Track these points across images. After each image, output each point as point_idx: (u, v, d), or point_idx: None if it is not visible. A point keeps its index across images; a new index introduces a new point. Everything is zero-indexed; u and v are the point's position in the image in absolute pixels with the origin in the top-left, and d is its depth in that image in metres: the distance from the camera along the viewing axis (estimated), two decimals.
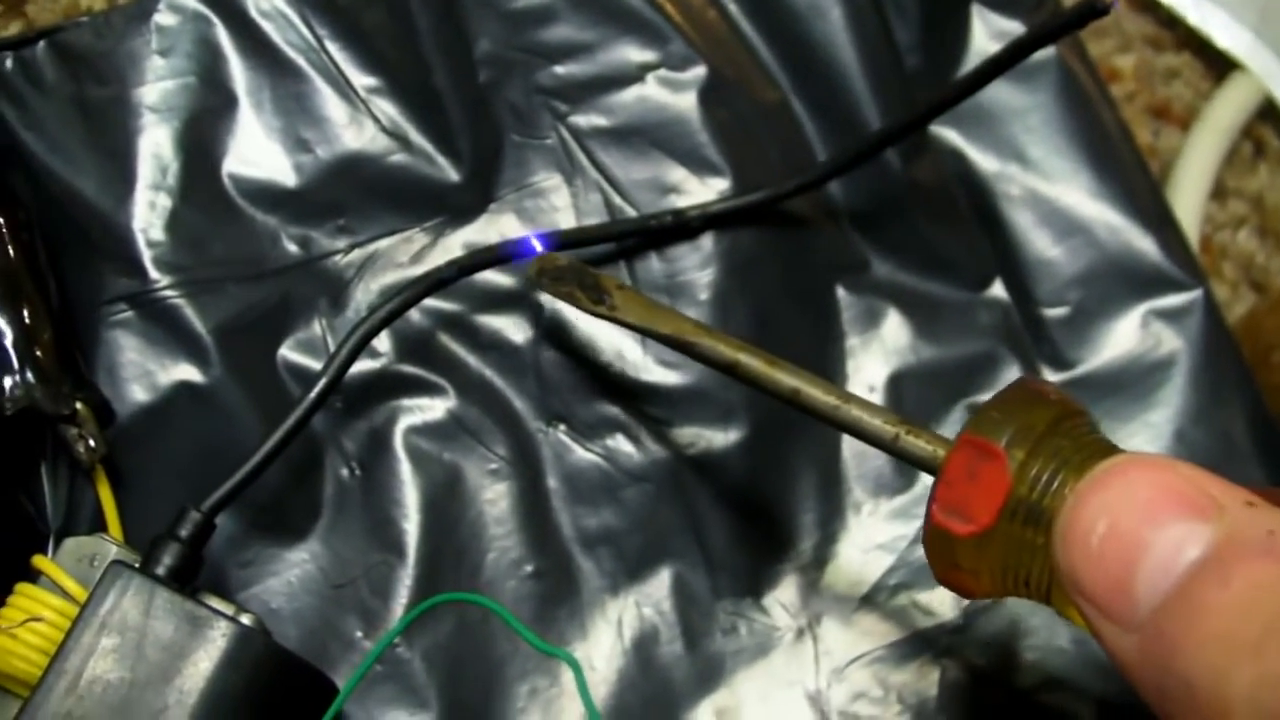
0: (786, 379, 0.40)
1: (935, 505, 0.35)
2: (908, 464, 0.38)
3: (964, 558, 0.35)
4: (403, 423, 0.48)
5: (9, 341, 0.44)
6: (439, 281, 0.46)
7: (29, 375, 0.44)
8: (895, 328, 0.52)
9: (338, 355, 0.44)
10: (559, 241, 0.48)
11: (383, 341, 0.49)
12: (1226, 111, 0.61)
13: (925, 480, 0.49)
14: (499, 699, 0.46)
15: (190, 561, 0.42)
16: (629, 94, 0.52)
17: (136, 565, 0.41)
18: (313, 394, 0.44)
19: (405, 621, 0.44)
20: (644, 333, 0.44)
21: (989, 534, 0.34)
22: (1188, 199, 0.59)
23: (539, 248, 0.47)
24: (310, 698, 0.42)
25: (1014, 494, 0.33)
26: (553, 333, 0.49)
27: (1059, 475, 0.33)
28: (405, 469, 0.48)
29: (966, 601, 0.49)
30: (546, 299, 0.49)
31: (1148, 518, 0.29)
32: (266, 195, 0.50)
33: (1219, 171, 0.60)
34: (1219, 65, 0.63)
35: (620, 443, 0.49)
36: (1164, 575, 0.29)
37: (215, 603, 0.41)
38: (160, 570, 0.41)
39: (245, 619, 0.41)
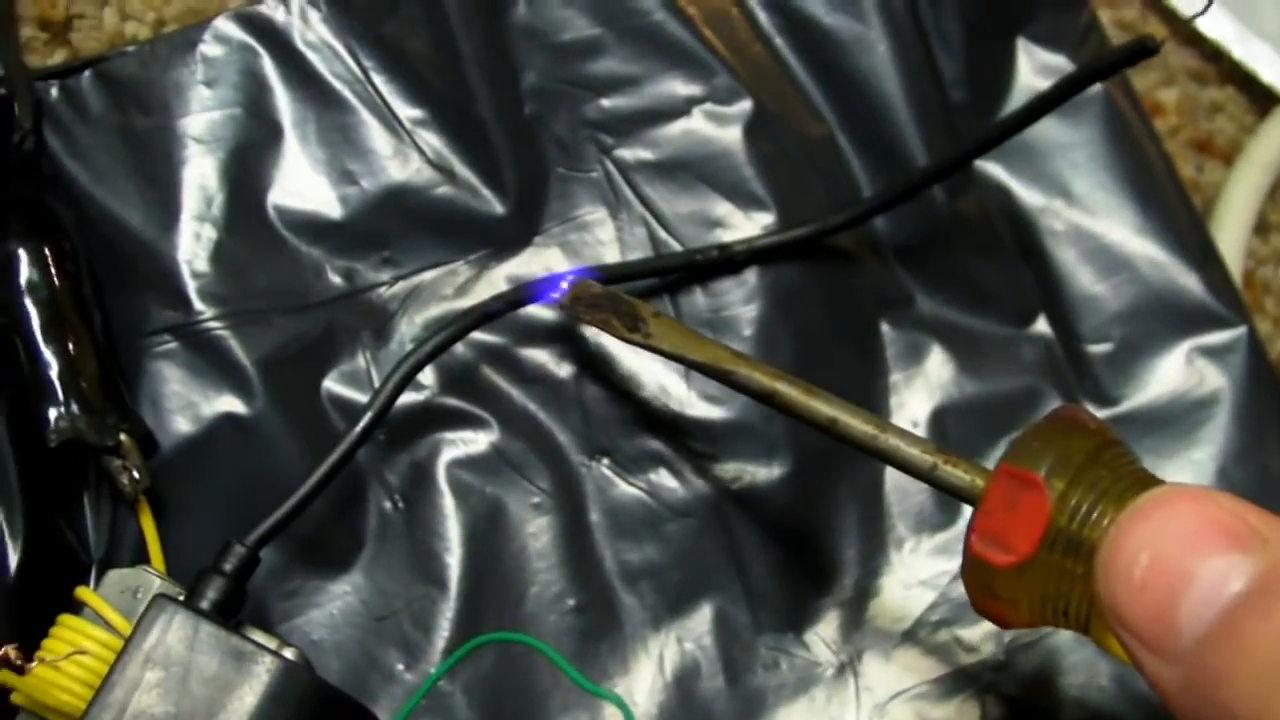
0: (824, 408, 0.40)
1: (974, 535, 0.35)
2: (945, 493, 0.38)
3: (1002, 588, 0.35)
4: (445, 455, 0.48)
5: (54, 373, 0.44)
6: (485, 315, 0.47)
7: (74, 407, 0.44)
8: (939, 363, 0.52)
9: (384, 389, 0.44)
10: (604, 276, 0.48)
11: (426, 374, 0.49)
12: (1270, 146, 0.61)
13: (967, 515, 0.49)
14: None
15: (234, 595, 0.42)
16: (674, 128, 0.52)
17: (181, 598, 0.41)
18: (358, 428, 0.44)
19: (452, 661, 0.44)
20: (679, 360, 0.44)
21: (1028, 564, 0.34)
22: (1231, 234, 0.58)
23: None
24: None
25: (1053, 524, 0.33)
26: (596, 367, 0.49)
27: (1099, 506, 0.33)
28: (448, 502, 0.48)
29: (1008, 638, 0.49)
30: (591, 332, 0.49)
31: (1191, 549, 0.29)
32: (311, 227, 0.50)
33: (1262, 206, 0.60)
34: (1263, 100, 0.63)
35: (663, 477, 0.49)
36: (1207, 607, 0.28)
37: (259, 636, 0.41)
38: (205, 604, 0.41)
39: (289, 653, 0.41)
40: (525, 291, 0.48)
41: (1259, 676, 0.27)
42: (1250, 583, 0.28)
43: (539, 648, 0.44)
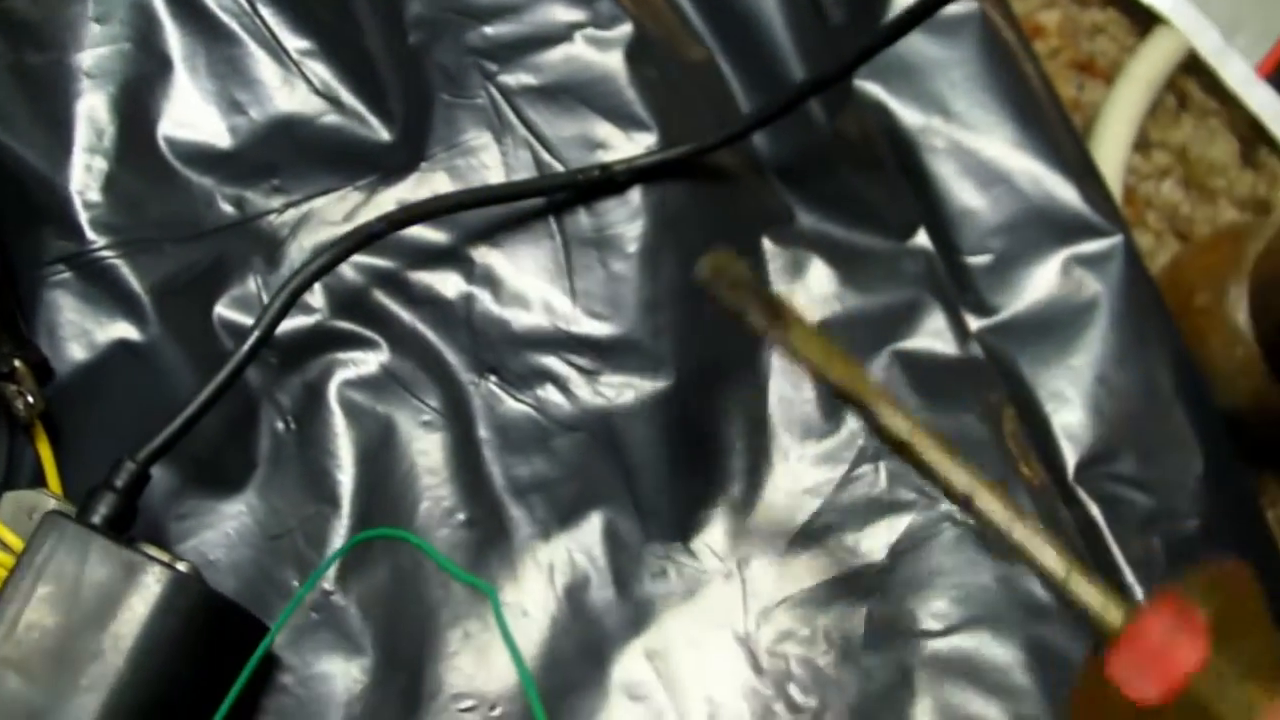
0: (963, 479, 0.37)
1: (1114, 658, 0.33)
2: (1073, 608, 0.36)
3: (1115, 714, 0.33)
4: (337, 377, 0.49)
5: None
6: (369, 236, 0.47)
7: None
8: (821, 277, 0.52)
9: (270, 308, 0.45)
10: (490, 197, 0.49)
11: (317, 298, 0.49)
12: (1150, 65, 0.62)
13: (851, 423, 0.50)
14: (433, 643, 0.47)
15: (125, 511, 0.42)
16: (556, 53, 0.53)
17: (73, 516, 0.41)
18: (245, 347, 0.44)
19: (332, 560, 0.45)
20: (813, 373, 0.41)
21: (1158, 710, 0.32)
22: (1111, 150, 0.60)
23: None
24: (245, 640, 0.42)
25: (1196, 680, 0.32)
26: (484, 286, 0.50)
27: (1243, 683, 0.32)
28: (339, 421, 0.49)
29: (893, 541, 0.49)
30: (479, 254, 0.50)
31: None
32: (202, 157, 0.51)
33: (1143, 124, 0.61)
34: (1143, 20, 0.64)
35: (551, 393, 0.50)
36: None
37: (152, 551, 0.42)
38: (96, 519, 0.42)
39: (180, 565, 0.42)
40: (409, 211, 0.48)
41: None
42: None
43: (416, 543, 0.45)
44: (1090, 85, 0.63)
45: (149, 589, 0.41)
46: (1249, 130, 0.64)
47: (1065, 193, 0.54)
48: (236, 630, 0.43)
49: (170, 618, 0.41)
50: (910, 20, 0.46)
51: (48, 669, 0.40)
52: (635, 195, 0.51)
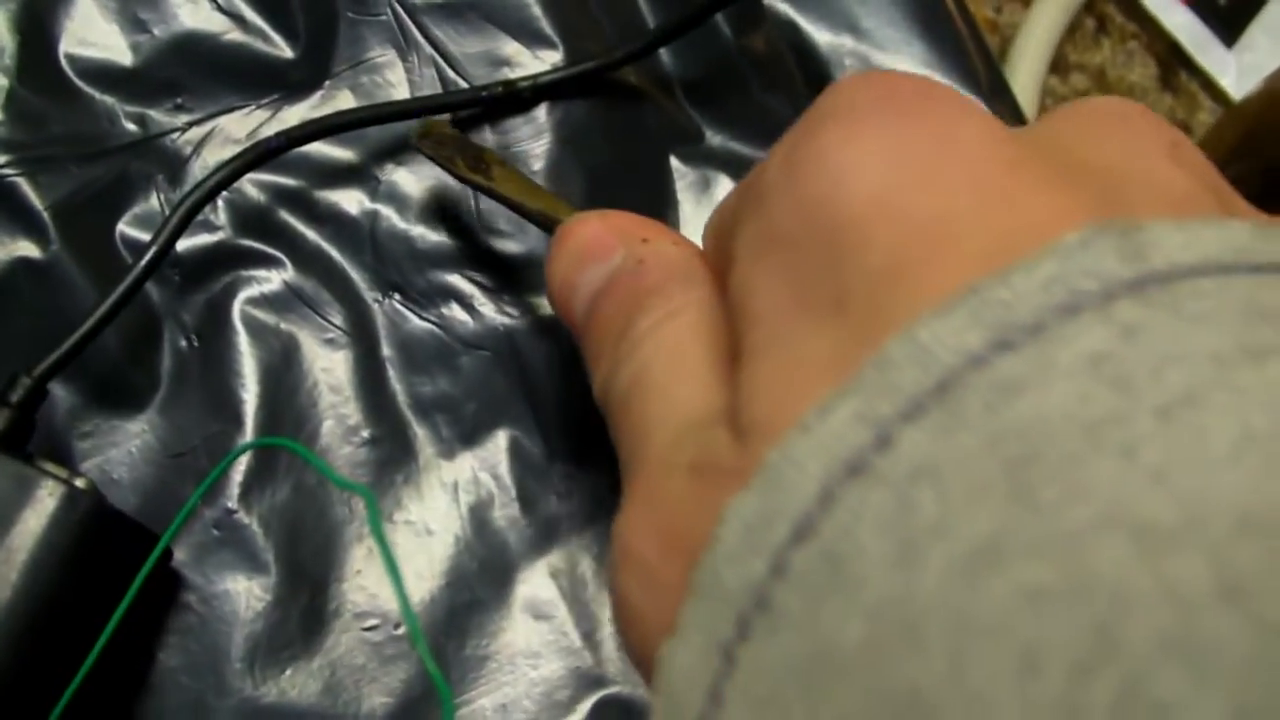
0: None
1: None
2: None
3: None
4: (240, 295, 0.49)
5: None
6: (268, 151, 0.47)
7: None
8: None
9: (169, 222, 0.45)
10: (386, 114, 0.49)
11: (220, 216, 0.49)
12: None
13: None
14: (337, 560, 0.47)
15: (21, 426, 0.42)
16: None
17: None
18: (143, 261, 0.44)
19: (222, 467, 0.45)
20: (515, 207, 0.45)
21: None
22: (1027, 70, 0.60)
23: None
24: (143, 556, 0.42)
25: None
26: (388, 205, 0.50)
27: None
28: (243, 340, 0.48)
29: None
30: (384, 172, 0.50)
31: (575, 265, 0.37)
32: (104, 75, 0.50)
33: (1061, 46, 0.61)
34: None
35: (455, 311, 0.49)
36: (584, 302, 0.37)
37: (49, 467, 0.41)
38: None
39: (78, 482, 0.41)
40: (308, 128, 0.48)
41: (599, 330, 0.35)
42: (603, 280, 0.36)
43: (295, 449, 0.45)
44: (1009, 8, 0.62)
45: (43, 503, 0.40)
46: (1168, 53, 0.64)
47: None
48: (134, 545, 0.43)
49: (65, 532, 0.41)
50: None
51: None
52: (540, 112, 0.51)
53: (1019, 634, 0.19)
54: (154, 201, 0.49)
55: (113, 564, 0.42)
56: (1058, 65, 0.61)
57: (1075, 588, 0.19)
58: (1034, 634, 0.19)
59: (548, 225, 0.43)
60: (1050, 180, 0.26)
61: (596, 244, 0.37)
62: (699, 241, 0.37)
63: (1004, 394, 0.22)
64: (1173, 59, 0.64)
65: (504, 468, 0.48)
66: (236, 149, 0.49)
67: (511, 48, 0.51)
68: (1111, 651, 0.18)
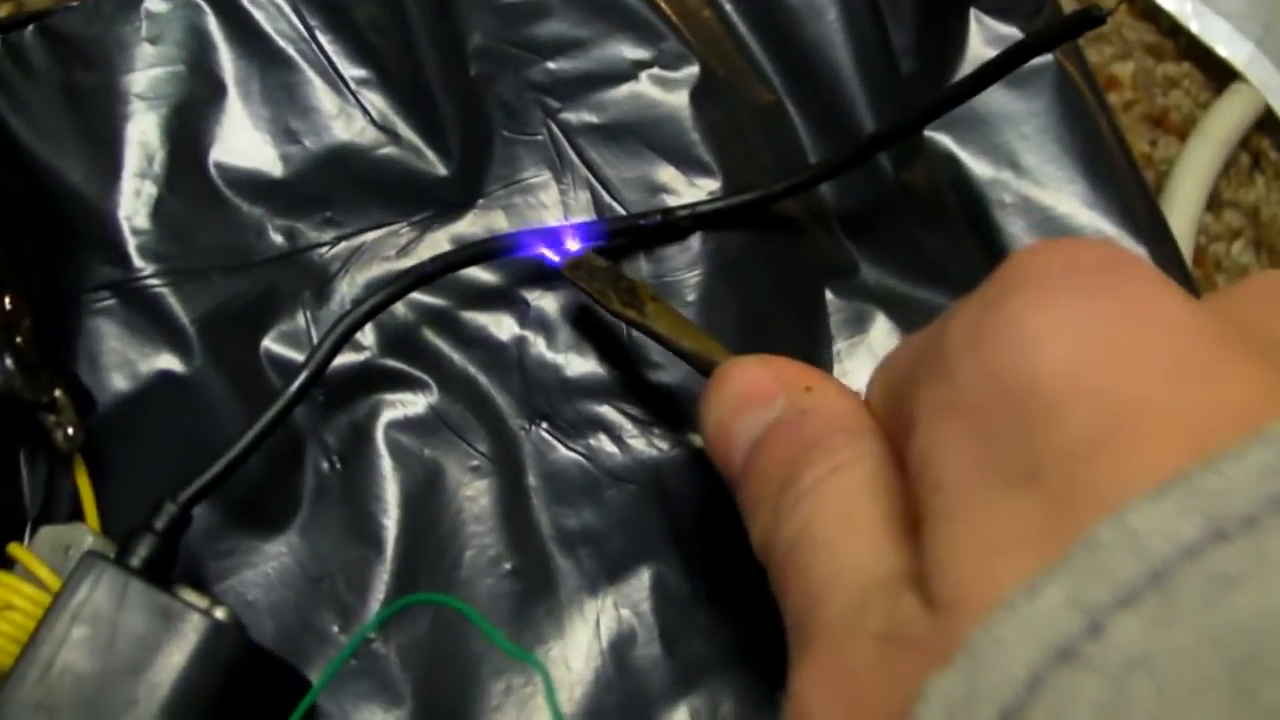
0: None
1: None
2: None
3: None
4: (384, 417, 0.48)
5: None
6: (423, 276, 0.46)
7: (8, 362, 0.44)
8: (883, 332, 0.51)
9: (320, 348, 0.44)
10: (549, 240, 0.48)
11: (366, 335, 0.48)
12: (1225, 122, 0.60)
13: None
14: (474, 696, 0.46)
15: (165, 553, 0.42)
16: (621, 91, 0.52)
17: (111, 556, 0.40)
18: (294, 386, 0.43)
19: (378, 620, 0.44)
20: (668, 345, 0.44)
21: None
22: (1182, 210, 0.58)
23: (549, 252, 0.47)
24: (283, 693, 0.42)
25: None
26: (538, 331, 0.49)
27: None
28: (386, 464, 0.48)
29: None
30: (533, 296, 0.49)
31: (733, 411, 0.37)
32: (253, 185, 0.50)
33: (1215, 183, 0.60)
34: (1219, 75, 0.63)
35: (603, 443, 0.48)
36: (742, 450, 0.37)
37: (190, 596, 0.41)
38: (135, 562, 0.41)
39: (219, 613, 0.40)
40: (466, 252, 0.47)
41: (758, 480, 0.35)
42: (763, 429, 0.36)
43: (465, 611, 0.44)
44: (1163, 141, 0.61)
45: (187, 637, 0.40)
46: None
47: (1136, 254, 0.53)
48: (274, 681, 0.42)
49: (208, 668, 0.40)
50: (987, 76, 0.45)
51: (80, 716, 0.38)
52: (696, 242, 0.50)
53: None
54: (300, 319, 0.48)
55: (253, 701, 0.41)
56: (1211, 201, 0.60)
57: None
58: None
59: (702, 365, 0.42)
60: (1249, 359, 0.25)
61: (757, 390, 0.37)
62: (859, 386, 0.37)
63: (1221, 588, 0.21)
64: None
65: (647, 605, 0.47)
66: (385, 267, 0.49)
67: (669, 174, 0.51)
68: None
